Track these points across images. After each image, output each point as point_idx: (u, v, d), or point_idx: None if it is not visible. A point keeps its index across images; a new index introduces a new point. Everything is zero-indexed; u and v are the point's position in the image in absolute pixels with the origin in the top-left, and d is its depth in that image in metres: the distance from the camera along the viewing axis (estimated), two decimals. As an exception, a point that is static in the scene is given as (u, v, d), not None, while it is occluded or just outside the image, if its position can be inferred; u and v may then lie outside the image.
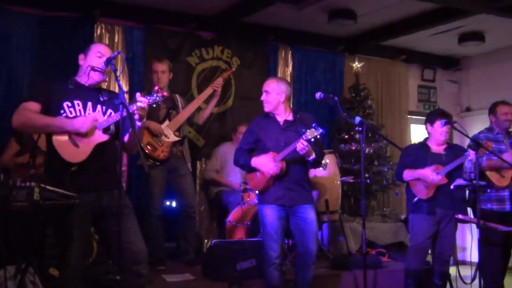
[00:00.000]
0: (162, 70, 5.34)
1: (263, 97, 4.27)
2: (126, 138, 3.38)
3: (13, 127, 3.29)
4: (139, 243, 3.37)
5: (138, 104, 3.25)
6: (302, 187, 4.21)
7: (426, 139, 4.85)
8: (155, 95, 3.33)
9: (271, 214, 4.10)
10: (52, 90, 3.34)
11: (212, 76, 6.43)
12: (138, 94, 3.31)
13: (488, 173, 4.97)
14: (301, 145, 3.95)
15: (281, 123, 4.24)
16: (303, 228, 4.14)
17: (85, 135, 3.27)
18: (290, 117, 4.26)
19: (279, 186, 4.13)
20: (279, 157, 4.08)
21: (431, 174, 4.54)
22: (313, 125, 3.95)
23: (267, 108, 4.27)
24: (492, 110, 5.31)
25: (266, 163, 4.09)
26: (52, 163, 3.29)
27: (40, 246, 3.92)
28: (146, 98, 3.30)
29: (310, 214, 4.16)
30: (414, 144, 5.01)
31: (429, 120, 4.76)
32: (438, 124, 4.66)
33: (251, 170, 4.26)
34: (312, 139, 3.93)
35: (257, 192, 4.16)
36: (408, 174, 4.68)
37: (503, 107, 5.23)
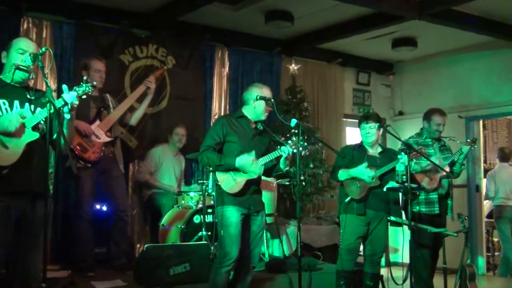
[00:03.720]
0: (104, 70, 5.32)
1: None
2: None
3: None
4: (33, 259, 3.19)
5: (66, 99, 3.15)
6: (260, 193, 4.32)
7: (362, 141, 5.01)
8: (84, 85, 3.24)
9: (235, 216, 4.10)
10: None
11: (146, 75, 6.33)
12: (65, 87, 3.21)
13: (417, 176, 5.17)
14: (287, 153, 4.01)
15: (253, 129, 4.27)
16: (256, 232, 4.24)
17: (14, 134, 3.15)
18: (257, 124, 4.29)
19: (249, 190, 4.15)
20: (261, 162, 4.11)
21: (365, 171, 4.67)
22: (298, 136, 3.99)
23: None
24: (427, 117, 5.50)
25: (251, 165, 4.07)
26: None
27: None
28: (75, 90, 3.20)
29: (263, 219, 4.30)
30: (350, 145, 5.14)
31: (358, 124, 4.95)
32: (362, 127, 4.88)
33: (219, 170, 4.18)
34: (295, 151, 4.01)
35: (228, 192, 4.12)
36: (343, 174, 4.79)
37: (438, 117, 5.43)
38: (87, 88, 3.24)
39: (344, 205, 4.74)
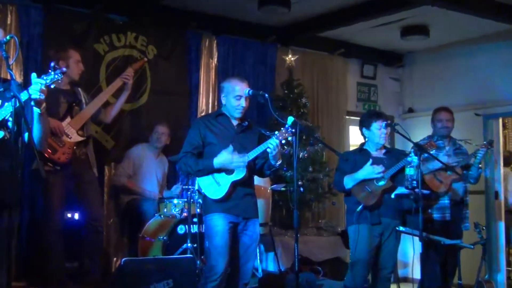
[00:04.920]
0: (81, 61, 5.33)
1: (246, 104, 4.28)
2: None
3: None
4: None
5: (32, 94, 3.12)
6: (252, 197, 4.32)
7: (363, 144, 5.01)
8: (52, 72, 3.21)
9: (222, 225, 4.12)
10: None
11: (124, 67, 6.31)
12: (34, 75, 3.19)
13: (425, 178, 5.21)
14: (274, 145, 4.01)
15: (235, 126, 4.30)
16: (247, 245, 4.25)
17: None
18: (243, 121, 4.34)
19: (236, 194, 4.17)
20: (248, 158, 4.12)
21: (373, 168, 4.67)
22: (287, 126, 4.01)
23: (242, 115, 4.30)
24: (432, 118, 5.68)
25: (236, 159, 4.09)
26: None
27: None
28: (42, 78, 3.17)
29: (256, 229, 4.30)
30: (352, 150, 5.15)
31: (364, 123, 4.92)
32: (375, 126, 4.83)
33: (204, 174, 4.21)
34: (283, 141, 4.03)
35: (213, 199, 4.15)
36: (349, 180, 4.78)
37: (439, 113, 5.61)
38: (55, 76, 3.21)
39: (357, 214, 4.72)
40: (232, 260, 4.22)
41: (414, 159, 4.57)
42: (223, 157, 4.09)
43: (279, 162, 4.19)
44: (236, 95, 4.22)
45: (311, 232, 6.84)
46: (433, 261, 5.17)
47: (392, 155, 4.90)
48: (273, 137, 4.05)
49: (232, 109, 4.27)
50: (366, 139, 4.97)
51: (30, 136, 3.11)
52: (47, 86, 3.20)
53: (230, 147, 4.10)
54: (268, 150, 4.07)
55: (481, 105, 7.74)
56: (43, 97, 3.18)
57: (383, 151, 4.94)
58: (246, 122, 4.35)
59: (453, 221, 5.35)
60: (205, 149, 4.25)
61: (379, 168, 4.68)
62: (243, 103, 4.25)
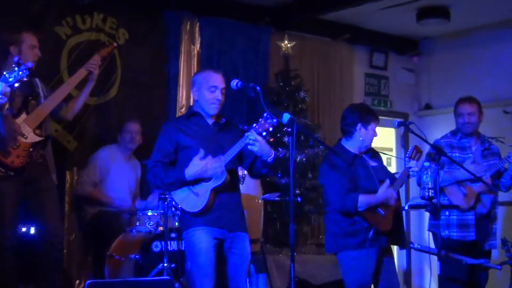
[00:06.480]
0: (38, 46, 5.28)
1: (222, 98, 4.30)
2: None
3: None
4: None
5: None
6: (238, 207, 4.35)
7: (340, 142, 4.89)
8: (16, 69, 3.19)
9: (206, 241, 4.12)
10: None
11: (90, 53, 6.30)
12: None
13: (447, 190, 5.19)
14: (252, 139, 4.00)
15: (211, 125, 4.34)
16: (237, 265, 4.25)
17: None
18: (220, 119, 4.36)
19: (218, 203, 4.18)
20: (226, 160, 4.12)
21: (389, 190, 4.59)
22: (265, 114, 4.04)
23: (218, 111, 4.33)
24: (454, 110, 5.54)
25: (211, 165, 4.08)
26: None
27: None
28: (4, 78, 3.15)
29: (247, 246, 4.31)
30: (338, 150, 4.89)
31: (363, 119, 4.73)
32: (372, 127, 4.75)
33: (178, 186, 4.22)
34: (264, 133, 4.05)
35: (193, 212, 4.16)
36: (365, 201, 4.58)
37: (460, 106, 5.46)
38: (20, 73, 3.20)
39: (370, 240, 4.59)
40: (221, 284, 4.20)
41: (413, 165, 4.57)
42: (196, 167, 4.08)
43: (271, 156, 4.18)
44: (211, 86, 4.25)
45: (310, 250, 6.86)
46: (458, 284, 5.16)
47: (378, 160, 4.90)
48: (251, 129, 4.06)
49: (206, 104, 4.29)
50: (353, 137, 4.77)
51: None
52: (11, 86, 3.19)
53: (201, 152, 4.11)
54: (250, 147, 4.08)
55: (510, 102, 7.76)
56: (5, 100, 3.18)
57: (369, 154, 4.87)
58: (224, 119, 4.38)
59: (478, 240, 5.30)
60: (179, 155, 4.26)
61: (394, 195, 4.62)
62: (218, 95, 4.26)
